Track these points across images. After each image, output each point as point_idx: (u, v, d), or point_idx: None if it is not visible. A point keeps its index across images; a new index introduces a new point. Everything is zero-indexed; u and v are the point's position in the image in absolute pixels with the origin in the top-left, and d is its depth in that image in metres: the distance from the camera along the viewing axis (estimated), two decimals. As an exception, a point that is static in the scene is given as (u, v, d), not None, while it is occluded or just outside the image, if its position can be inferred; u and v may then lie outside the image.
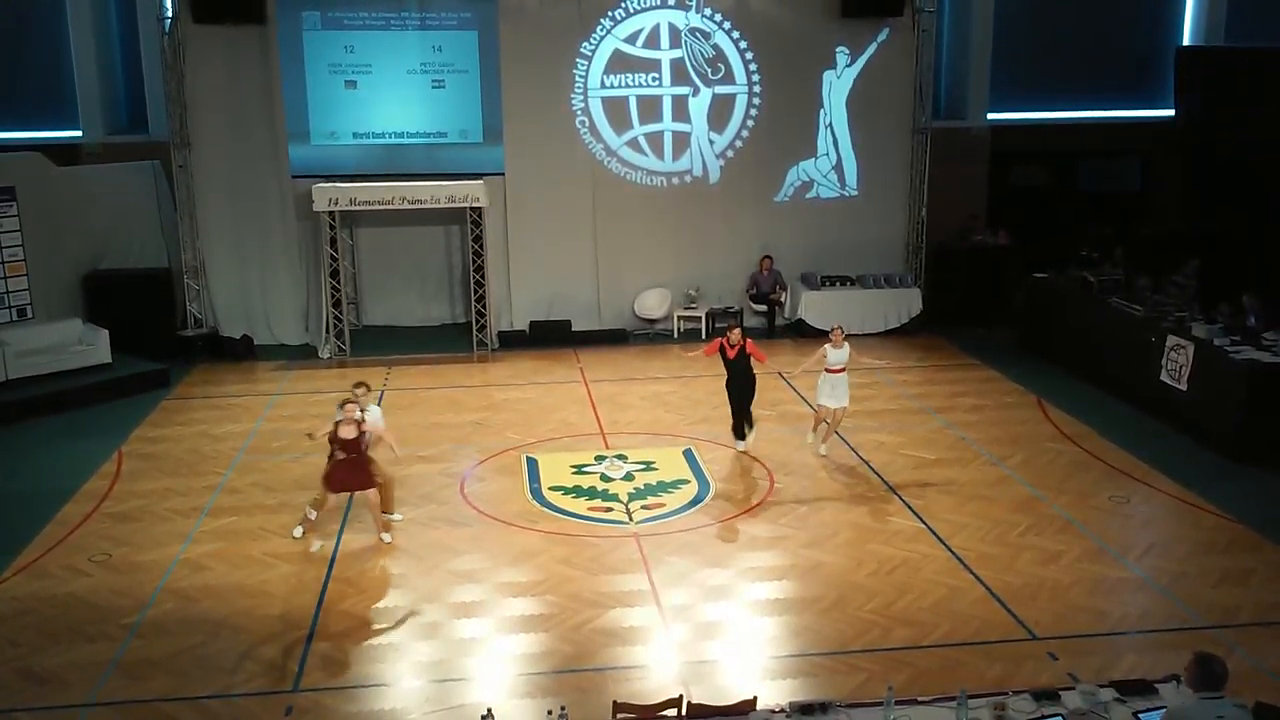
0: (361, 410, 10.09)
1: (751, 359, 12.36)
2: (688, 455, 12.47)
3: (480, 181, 16.78)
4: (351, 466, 10.00)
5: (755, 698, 6.47)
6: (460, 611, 8.98)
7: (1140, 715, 5.97)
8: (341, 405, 10.09)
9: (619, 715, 6.47)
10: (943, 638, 8.52)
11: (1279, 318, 13.02)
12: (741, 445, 12.52)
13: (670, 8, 17.33)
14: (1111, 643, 8.44)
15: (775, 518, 10.83)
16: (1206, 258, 15.85)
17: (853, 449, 12.50)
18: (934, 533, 10.38)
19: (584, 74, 17.36)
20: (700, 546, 10.21)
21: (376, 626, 8.78)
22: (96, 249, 16.90)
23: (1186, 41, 19.63)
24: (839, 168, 18.16)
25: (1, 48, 17.62)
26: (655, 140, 17.74)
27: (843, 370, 12.16)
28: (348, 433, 9.90)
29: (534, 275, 17.63)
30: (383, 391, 14.96)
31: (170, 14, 16.28)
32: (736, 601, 9.17)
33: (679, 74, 17.54)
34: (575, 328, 17.59)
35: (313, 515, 10.25)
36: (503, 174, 17.27)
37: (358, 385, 10.44)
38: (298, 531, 10.39)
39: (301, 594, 9.31)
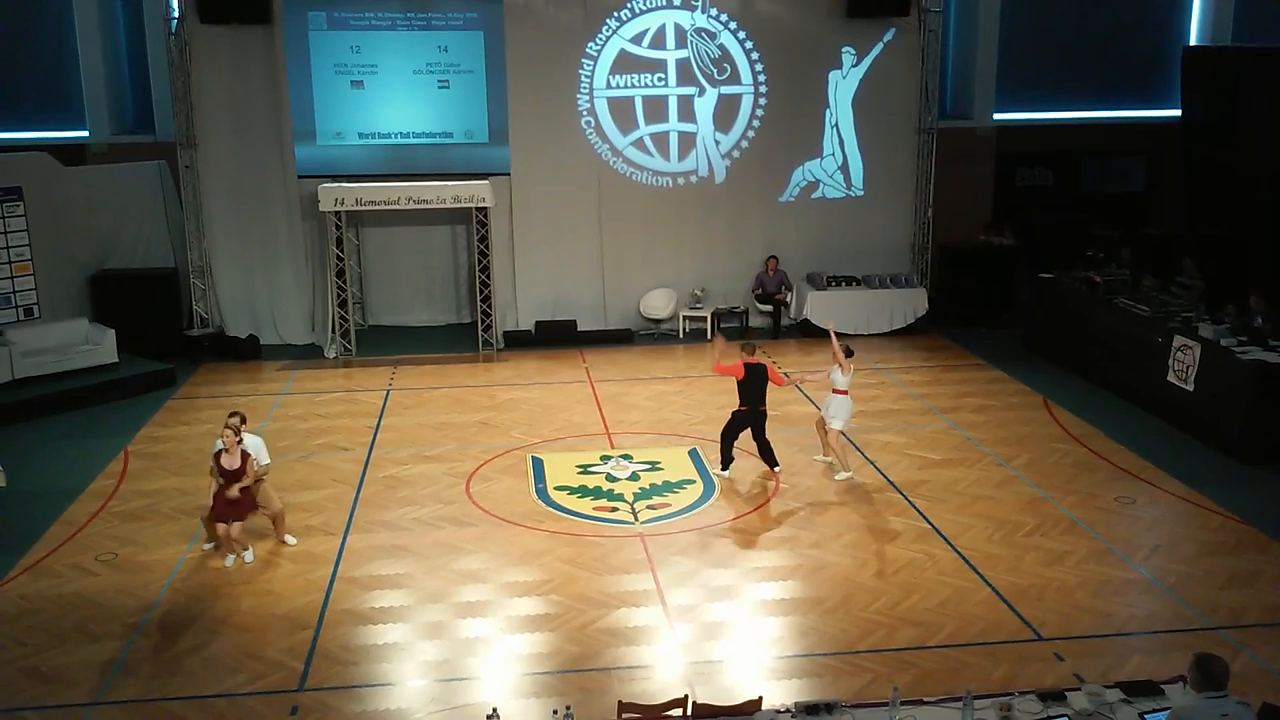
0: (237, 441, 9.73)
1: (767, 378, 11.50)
2: (693, 455, 12.46)
3: (486, 181, 16.77)
4: (233, 497, 9.67)
5: (760, 698, 6.47)
6: (465, 611, 8.99)
7: (1146, 716, 5.96)
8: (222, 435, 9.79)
9: (624, 715, 6.47)
10: (948, 638, 8.51)
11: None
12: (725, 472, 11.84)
13: (676, 8, 17.33)
14: (1117, 644, 8.42)
15: (780, 518, 10.83)
16: (1212, 258, 15.81)
17: (858, 449, 12.47)
18: (939, 533, 10.37)
19: (590, 74, 17.36)
20: (705, 546, 10.21)
21: (382, 626, 8.78)
22: (103, 249, 16.94)
23: (1193, 42, 19.59)
24: (845, 168, 18.16)
25: (8, 48, 17.67)
26: (661, 140, 17.74)
27: (844, 393, 11.59)
28: (230, 462, 9.69)
29: (539, 275, 17.64)
30: (388, 390, 15.00)
31: (176, 14, 16.31)
32: (742, 601, 9.16)
33: (685, 74, 17.54)
34: (580, 328, 17.59)
35: (208, 548, 10.05)
36: (508, 174, 17.27)
37: (233, 415, 9.97)
38: (229, 561, 9.85)
39: (307, 593, 9.32)
